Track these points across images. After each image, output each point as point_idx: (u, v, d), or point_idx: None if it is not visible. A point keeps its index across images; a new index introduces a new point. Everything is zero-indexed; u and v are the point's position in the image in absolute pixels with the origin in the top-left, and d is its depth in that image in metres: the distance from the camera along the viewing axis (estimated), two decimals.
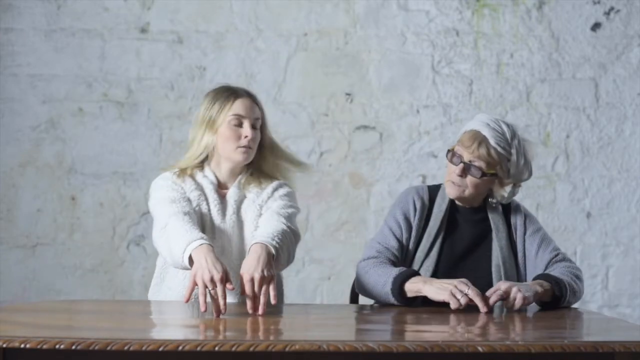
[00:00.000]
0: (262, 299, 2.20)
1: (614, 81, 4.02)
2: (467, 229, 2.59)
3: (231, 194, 2.60)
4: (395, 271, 2.41)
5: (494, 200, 2.61)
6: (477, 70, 4.02)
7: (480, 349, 1.75)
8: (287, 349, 1.73)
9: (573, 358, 1.79)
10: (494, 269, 2.52)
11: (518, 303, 2.30)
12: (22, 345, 1.72)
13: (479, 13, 4.02)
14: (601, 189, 4.03)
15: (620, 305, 4.01)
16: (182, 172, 2.60)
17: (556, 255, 2.57)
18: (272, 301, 2.19)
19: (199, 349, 1.72)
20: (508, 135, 2.50)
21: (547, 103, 4.03)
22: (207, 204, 2.57)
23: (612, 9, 4.01)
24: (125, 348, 1.72)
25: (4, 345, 1.73)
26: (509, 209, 2.64)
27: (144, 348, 1.72)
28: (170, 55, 4.01)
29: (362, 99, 4.02)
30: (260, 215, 2.57)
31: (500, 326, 2.20)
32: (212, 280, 2.17)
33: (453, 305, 2.27)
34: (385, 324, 2.20)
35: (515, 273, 2.56)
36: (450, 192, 2.55)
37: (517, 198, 3.97)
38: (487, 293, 2.33)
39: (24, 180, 4.00)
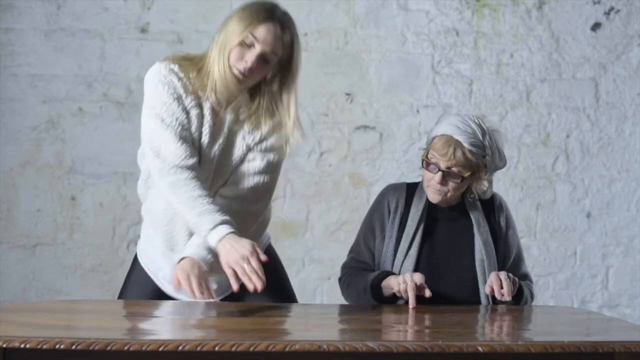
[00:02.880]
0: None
1: (614, 81, 4.02)
2: (447, 226, 2.58)
3: (227, 117, 2.40)
4: (371, 276, 2.50)
5: (472, 196, 2.61)
6: (477, 70, 4.02)
7: (480, 349, 1.75)
8: (287, 349, 1.73)
9: (573, 358, 1.79)
10: (477, 264, 2.51)
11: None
12: (22, 345, 1.72)
13: (479, 13, 4.02)
14: (601, 189, 4.03)
15: (620, 305, 4.01)
16: (196, 71, 2.38)
17: (525, 275, 2.62)
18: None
19: (199, 349, 1.72)
20: (479, 134, 2.48)
21: (547, 103, 4.03)
22: (201, 125, 2.39)
23: (612, 9, 4.01)
24: (125, 348, 1.72)
25: (4, 345, 1.73)
26: (490, 205, 2.63)
27: (144, 348, 1.72)
28: None
29: (362, 99, 4.02)
30: (245, 158, 2.41)
31: (500, 326, 2.20)
32: (244, 258, 2.18)
33: (397, 292, 2.39)
34: (385, 324, 2.20)
35: (497, 267, 2.54)
36: (432, 197, 2.55)
37: (517, 198, 4.00)
38: (495, 288, 2.38)
39: (24, 180, 4.00)
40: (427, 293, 2.37)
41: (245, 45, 2.29)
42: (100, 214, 4.01)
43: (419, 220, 2.56)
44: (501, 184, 3.96)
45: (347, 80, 4.02)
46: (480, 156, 2.48)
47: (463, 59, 4.02)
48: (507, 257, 2.59)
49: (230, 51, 2.30)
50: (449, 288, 2.48)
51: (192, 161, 2.34)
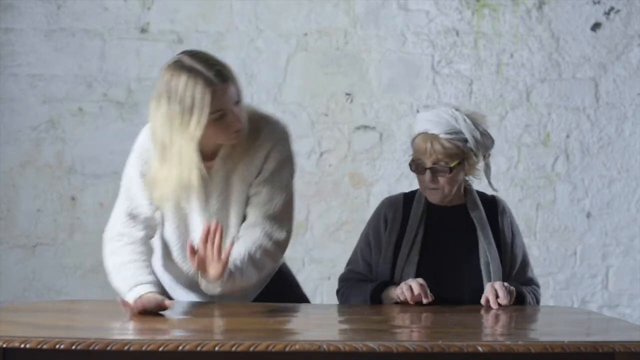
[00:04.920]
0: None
1: (614, 81, 4.02)
2: (448, 229, 2.56)
3: (217, 167, 2.34)
4: (369, 287, 2.49)
5: (469, 183, 2.60)
6: (477, 70, 4.02)
7: (480, 349, 1.75)
8: (287, 349, 1.73)
9: (573, 358, 1.79)
10: (483, 267, 2.49)
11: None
12: (22, 345, 1.72)
13: (479, 13, 4.02)
14: (601, 189, 4.02)
15: (620, 305, 4.01)
16: None
17: (531, 280, 2.59)
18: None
19: (198, 349, 1.72)
20: (453, 121, 2.47)
21: (547, 103, 4.03)
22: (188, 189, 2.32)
23: (612, 9, 4.01)
24: (125, 348, 1.72)
25: (4, 345, 1.73)
26: (493, 209, 2.60)
27: (144, 348, 1.73)
28: (170, 55, 3.96)
29: (362, 99, 4.02)
30: (247, 198, 2.35)
31: (500, 326, 2.20)
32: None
33: (402, 297, 2.39)
34: (385, 324, 2.20)
35: (502, 269, 2.51)
36: (432, 199, 2.54)
37: (517, 198, 4.00)
38: (490, 298, 2.37)
39: (24, 180, 4.00)
40: (425, 301, 2.37)
41: (218, 121, 2.21)
42: (100, 214, 3.99)
43: (418, 224, 2.55)
44: (501, 184, 3.96)
45: (347, 80, 4.02)
46: (461, 141, 2.47)
47: (463, 59, 4.02)
48: (514, 264, 2.56)
49: (211, 133, 2.21)
50: (453, 292, 2.46)
51: (138, 234, 2.36)
